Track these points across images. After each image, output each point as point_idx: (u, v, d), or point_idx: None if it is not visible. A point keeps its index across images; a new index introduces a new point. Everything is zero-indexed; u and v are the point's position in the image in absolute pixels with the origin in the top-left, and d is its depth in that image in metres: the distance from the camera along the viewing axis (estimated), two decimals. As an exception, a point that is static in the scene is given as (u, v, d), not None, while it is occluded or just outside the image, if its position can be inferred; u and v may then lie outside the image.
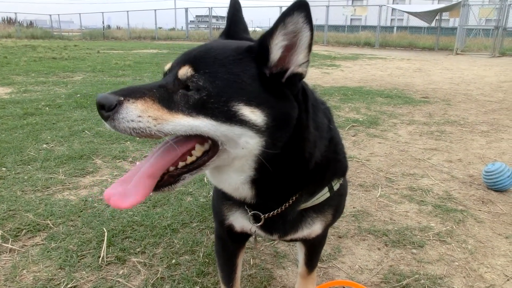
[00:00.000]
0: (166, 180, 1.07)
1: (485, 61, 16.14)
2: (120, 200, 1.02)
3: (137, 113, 0.98)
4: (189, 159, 1.09)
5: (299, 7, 0.98)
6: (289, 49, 1.05)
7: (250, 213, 1.31)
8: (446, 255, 2.27)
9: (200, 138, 1.05)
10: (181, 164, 1.09)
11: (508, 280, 2.05)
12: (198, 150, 1.09)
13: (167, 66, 1.13)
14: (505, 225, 2.62)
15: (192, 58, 1.08)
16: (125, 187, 1.04)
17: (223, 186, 1.21)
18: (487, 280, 2.05)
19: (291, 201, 1.24)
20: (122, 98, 0.98)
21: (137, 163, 1.11)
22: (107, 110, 0.97)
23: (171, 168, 1.08)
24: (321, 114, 1.26)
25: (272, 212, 1.27)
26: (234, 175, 1.15)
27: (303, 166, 1.17)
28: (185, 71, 1.03)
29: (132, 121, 0.97)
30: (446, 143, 4.49)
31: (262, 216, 1.29)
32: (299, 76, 1.08)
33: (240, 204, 1.32)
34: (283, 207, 1.25)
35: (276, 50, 1.05)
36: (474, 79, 10.24)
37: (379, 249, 2.33)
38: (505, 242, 2.42)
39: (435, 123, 5.40)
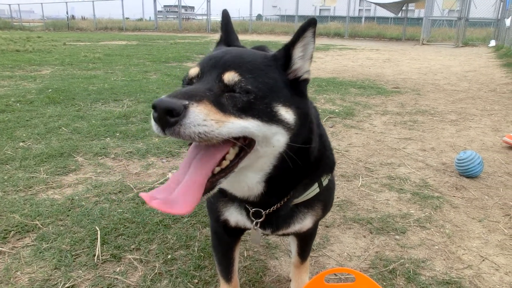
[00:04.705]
0: (206, 187, 1.05)
1: (449, 51, 16.77)
2: (166, 205, 0.98)
3: (203, 116, 0.96)
4: (224, 163, 1.08)
5: (313, 24, 1.18)
6: (301, 58, 1.22)
7: (251, 210, 1.36)
8: (427, 239, 2.42)
9: (233, 141, 1.05)
10: (217, 169, 1.07)
11: (483, 260, 2.22)
12: (232, 154, 1.09)
13: (193, 72, 1.15)
14: (478, 209, 2.81)
15: (233, 63, 1.11)
16: (167, 194, 1.01)
17: (236, 187, 1.27)
18: (465, 261, 2.21)
19: (289, 196, 1.32)
20: (187, 102, 0.95)
21: (169, 174, 1.12)
22: (176, 115, 0.93)
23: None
24: (314, 111, 1.38)
25: (272, 208, 1.33)
26: (252, 174, 1.20)
27: (308, 160, 1.28)
28: (231, 76, 1.07)
29: (199, 125, 0.95)
30: (419, 132, 4.70)
31: (264, 212, 1.35)
32: (306, 82, 1.25)
33: (238, 201, 1.38)
34: (281, 202, 1.32)
35: (297, 59, 1.21)
36: (441, 69, 10.66)
37: (364, 236, 2.46)
38: (479, 225, 2.60)
39: (407, 113, 5.62)
